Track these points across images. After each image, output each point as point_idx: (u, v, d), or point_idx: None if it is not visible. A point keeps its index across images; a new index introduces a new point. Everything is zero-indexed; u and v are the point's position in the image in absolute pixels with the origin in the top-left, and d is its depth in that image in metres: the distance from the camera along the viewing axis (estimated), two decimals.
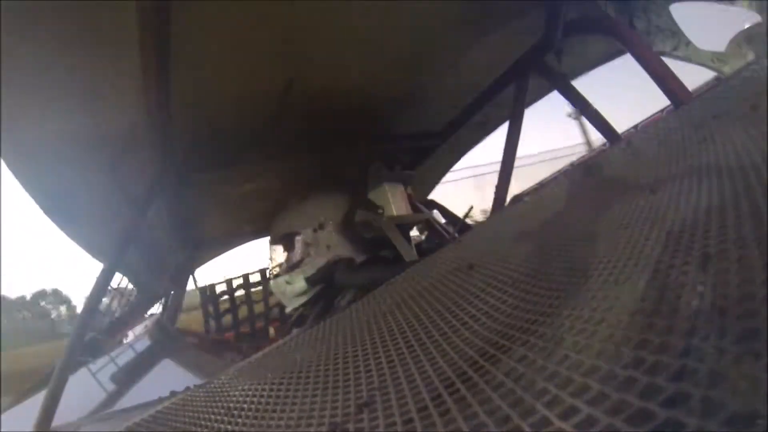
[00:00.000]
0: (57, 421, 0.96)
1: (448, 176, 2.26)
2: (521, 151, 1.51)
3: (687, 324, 0.19)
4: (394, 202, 1.50)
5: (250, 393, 0.45)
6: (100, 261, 1.54)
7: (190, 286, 2.07)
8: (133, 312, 1.90)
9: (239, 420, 0.40)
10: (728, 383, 0.15)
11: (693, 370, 0.16)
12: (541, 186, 1.90)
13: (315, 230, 1.39)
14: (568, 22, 1.28)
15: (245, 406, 0.42)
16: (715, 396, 0.15)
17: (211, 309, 1.91)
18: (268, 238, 1.55)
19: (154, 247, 1.55)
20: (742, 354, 0.16)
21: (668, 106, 1.15)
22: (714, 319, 0.18)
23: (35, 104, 0.98)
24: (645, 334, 0.21)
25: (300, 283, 1.35)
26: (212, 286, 1.94)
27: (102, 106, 1.05)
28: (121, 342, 1.71)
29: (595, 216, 0.51)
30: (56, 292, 16.30)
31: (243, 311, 2.00)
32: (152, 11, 0.82)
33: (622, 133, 1.52)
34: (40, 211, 1.29)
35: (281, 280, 1.39)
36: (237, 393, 0.48)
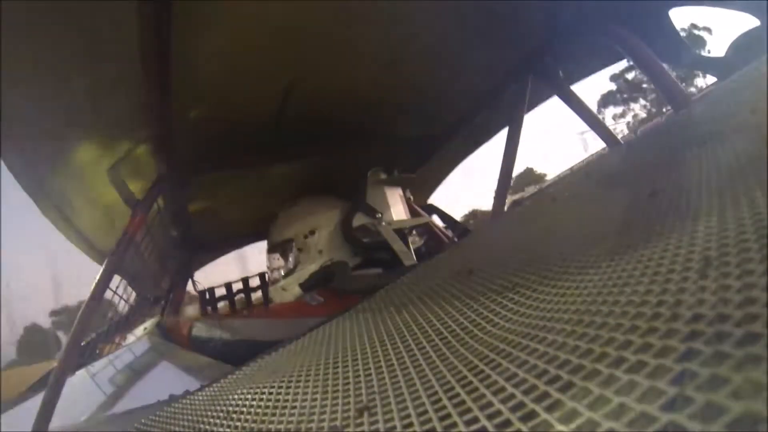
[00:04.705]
0: (55, 423, 0.96)
1: None
2: None
3: (688, 328, 0.20)
4: (393, 206, 1.49)
5: (249, 396, 0.45)
6: (100, 263, 1.54)
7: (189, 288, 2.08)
8: (132, 314, 1.89)
9: (239, 423, 0.40)
10: (730, 387, 0.15)
11: (694, 374, 0.17)
12: (541, 190, 1.90)
13: (306, 236, 1.39)
14: (568, 25, 1.28)
15: (245, 409, 0.42)
16: (717, 400, 0.15)
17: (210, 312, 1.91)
18: (267, 242, 1.55)
19: (154, 249, 1.55)
20: (744, 358, 0.16)
21: (668, 110, 1.16)
22: (715, 323, 0.18)
23: (35, 106, 0.98)
24: (646, 338, 0.21)
25: (294, 290, 1.35)
26: (212, 290, 1.94)
27: (102, 108, 1.05)
28: (120, 344, 1.70)
29: (594, 219, 0.51)
30: None
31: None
32: (153, 14, 0.82)
33: (622, 138, 1.53)
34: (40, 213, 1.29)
35: (278, 287, 1.40)
36: (237, 396, 0.48)
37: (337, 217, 1.40)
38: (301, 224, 1.40)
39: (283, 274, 1.41)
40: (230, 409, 0.45)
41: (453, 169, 2.22)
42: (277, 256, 1.44)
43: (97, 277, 1.18)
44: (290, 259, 1.40)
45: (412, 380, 0.32)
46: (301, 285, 1.33)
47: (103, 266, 1.20)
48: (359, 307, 0.67)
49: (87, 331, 1.16)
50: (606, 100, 21.00)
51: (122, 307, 1.77)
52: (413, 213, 1.60)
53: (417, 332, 0.42)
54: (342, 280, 1.26)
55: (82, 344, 1.19)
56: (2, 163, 1.07)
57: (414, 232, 1.67)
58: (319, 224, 1.39)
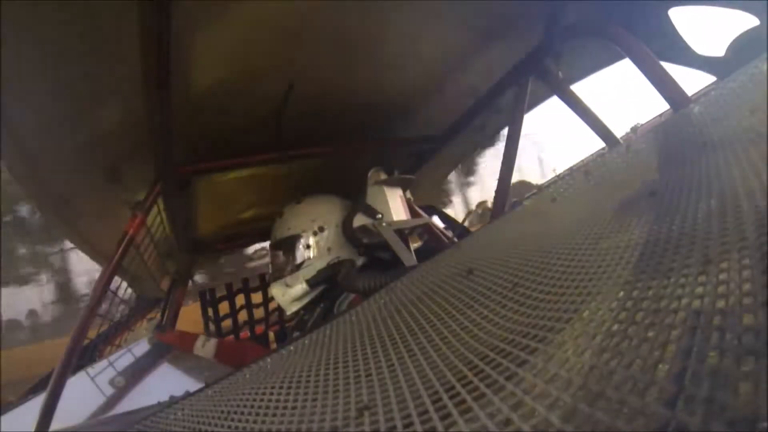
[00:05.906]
0: (55, 424, 0.96)
1: None
2: None
3: (688, 324, 0.19)
4: (393, 206, 1.49)
5: (250, 397, 0.45)
6: (100, 264, 1.54)
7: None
8: (133, 315, 1.89)
9: (239, 424, 0.40)
10: (730, 384, 0.15)
11: (695, 371, 0.16)
12: (541, 190, 1.90)
13: (315, 233, 1.39)
14: (567, 26, 1.28)
15: (245, 410, 0.42)
16: (718, 397, 0.15)
17: (210, 313, 1.91)
18: (268, 242, 1.55)
19: (154, 249, 1.55)
20: (744, 354, 0.16)
21: (667, 110, 1.15)
22: (715, 320, 0.18)
23: (35, 107, 0.98)
24: (647, 335, 0.21)
25: (300, 286, 1.34)
26: (212, 290, 1.94)
27: (102, 108, 1.05)
28: (120, 346, 1.70)
29: (594, 219, 0.51)
30: None
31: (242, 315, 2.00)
32: (153, 14, 0.82)
33: (621, 137, 1.52)
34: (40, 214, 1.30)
35: (281, 283, 1.39)
36: (237, 397, 0.48)
37: (344, 215, 1.40)
38: (310, 221, 1.40)
39: (287, 270, 1.40)
40: (230, 409, 0.45)
41: (453, 169, 2.22)
42: (280, 252, 1.44)
43: (98, 278, 1.18)
44: (296, 255, 1.39)
45: (412, 380, 0.32)
46: (307, 281, 1.33)
47: (104, 267, 1.20)
48: (359, 307, 0.67)
49: (87, 333, 1.16)
50: None
51: (122, 308, 1.77)
52: (413, 213, 1.59)
53: (417, 332, 0.42)
54: (346, 280, 1.26)
55: (83, 345, 1.19)
56: (2, 162, 1.07)
57: (414, 232, 1.67)
58: (328, 221, 1.39)
